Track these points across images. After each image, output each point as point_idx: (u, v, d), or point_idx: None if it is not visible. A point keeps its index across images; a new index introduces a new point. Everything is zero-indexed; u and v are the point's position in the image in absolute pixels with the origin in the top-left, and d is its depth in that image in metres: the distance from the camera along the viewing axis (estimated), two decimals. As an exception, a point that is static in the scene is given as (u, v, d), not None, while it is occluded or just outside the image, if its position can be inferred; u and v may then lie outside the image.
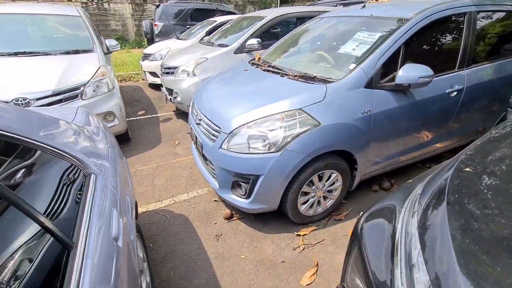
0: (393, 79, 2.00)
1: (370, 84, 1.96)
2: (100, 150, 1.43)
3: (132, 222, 1.34)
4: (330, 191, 2.14)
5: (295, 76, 2.16)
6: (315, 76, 2.06)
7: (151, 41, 7.80)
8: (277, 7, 12.76)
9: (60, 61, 3.11)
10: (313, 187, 2.02)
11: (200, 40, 5.60)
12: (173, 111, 4.78)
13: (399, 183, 2.66)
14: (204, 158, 2.24)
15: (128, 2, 12.10)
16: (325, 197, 2.15)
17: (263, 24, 4.20)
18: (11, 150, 0.98)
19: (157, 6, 7.81)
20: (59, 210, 0.95)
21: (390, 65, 2.01)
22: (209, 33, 6.02)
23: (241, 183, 1.93)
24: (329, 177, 2.05)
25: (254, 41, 3.90)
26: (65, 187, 1.06)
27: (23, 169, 0.98)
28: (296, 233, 2.09)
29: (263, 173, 1.79)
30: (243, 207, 1.96)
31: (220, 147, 1.92)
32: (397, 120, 2.10)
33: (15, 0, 9.40)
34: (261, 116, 1.83)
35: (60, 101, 2.79)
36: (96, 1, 11.47)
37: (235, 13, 7.99)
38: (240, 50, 4.04)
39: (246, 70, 2.61)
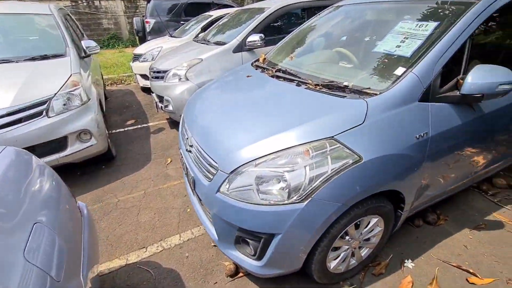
0: (455, 86, 1.44)
1: (426, 96, 1.39)
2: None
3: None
4: (367, 239, 1.59)
5: (317, 85, 1.60)
6: (346, 86, 1.50)
7: (143, 40, 7.20)
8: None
9: (22, 70, 2.56)
10: (347, 238, 1.47)
11: (195, 37, 5.01)
12: (166, 119, 4.22)
13: (446, 213, 2.11)
14: (199, 197, 1.69)
15: (120, -2, 11.45)
16: (360, 247, 1.60)
17: (265, 17, 3.61)
18: None
19: (148, 1, 7.18)
20: None
21: (451, 68, 1.44)
22: (204, 29, 5.43)
23: (249, 240, 1.38)
24: (368, 223, 1.50)
25: (256, 38, 3.32)
26: None
27: None
28: (324, 299, 1.55)
29: (280, 231, 1.24)
30: (252, 270, 1.42)
31: (218, 190, 1.37)
32: (459, 141, 1.54)
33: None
34: (276, 150, 1.26)
35: (19, 121, 2.24)
36: (86, -2, 10.84)
37: (232, 6, 7.35)
38: (240, 48, 3.46)
39: (249, 76, 2.04)
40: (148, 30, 6.97)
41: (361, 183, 1.25)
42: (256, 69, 2.19)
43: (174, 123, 3.98)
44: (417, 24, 1.58)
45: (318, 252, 1.36)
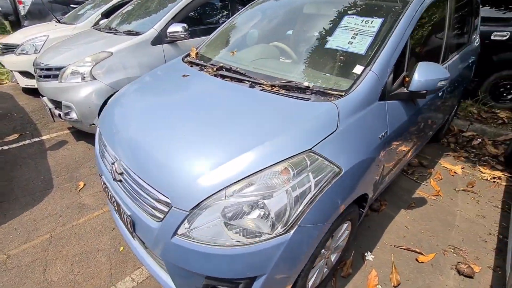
0: (402, 84, 1.47)
1: (383, 95, 1.37)
2: None
3: None
4: (337, 246, 1.54)
5: (274, 86, 1.40)
6: (307, 87, 1.35)
7: (17, 26, 5.54)
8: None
9: None
10: (323, 251, 1.36)
11: (95, 25, 4.10)
12: (69, 128, 3.34)
13: (384, 198, 2.29)
14: (141, 240, 1.29)
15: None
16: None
17: (187, 4, 3.17)
18: None
19: (18, -25, 5.52)
20: None
21: (399, 66, 1.46)
22: (106, 15, 4.51)
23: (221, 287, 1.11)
24: (340, 230, 1.43)
25: (178, 28, 2.88)
26: None
27: None
28: (305, 321, 1.42)
29: (263, 272, 1.01)
30: (228, 320, 1.15)
31: (175, 233, 1.03)
32: (404, 134, 1.62)
33: None
34: (249, 173, 1.01)
35: None
36: None
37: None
38: (159, 40, 2.94)
39: (186, 76, 1.67)
40: (22, 13, 5.39)
41: (343, 195, 1.14)
42: (191, 66, 1.84)
43: (81, 133, 3.16)
44: (362, 20, 1.55)
45: (301, 277, 1.20)
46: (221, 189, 0.99)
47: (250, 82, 1.45)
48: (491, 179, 2.59)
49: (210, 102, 1.39)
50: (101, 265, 1.68)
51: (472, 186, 2.48)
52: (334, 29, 1.58)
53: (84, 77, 2.58)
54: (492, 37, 3.59)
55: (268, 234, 0.98)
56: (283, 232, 0.98)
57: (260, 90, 1.40)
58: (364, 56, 1.40)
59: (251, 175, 1.01)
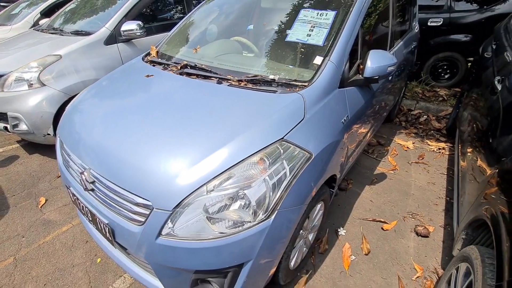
0: (357, 71, 1.61)
1: (342, 82, 1.49)
2: None
3: None
4: (313, 225, 1.65)
5: (241, 81, 1.44)
6: (273, 80, 1.41)
7: None
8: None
9: None
10: (301, 232, 1.46)
11: (35, 26, 3.72)
12: (18, 141, 3.04)
13: (350, 177, 2.49)
14: (122, 246, 1.27)
15: None
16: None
17: (138, 1, 3.03)
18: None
19: None
20: None
21: (353, 55, 1.59)
22: (45, 14, 4.13)
23: (211, 279, 1.15)
24: (315, 211, 1.55)
25: (133, 26, 2.75)
26: None
27: None
28: (291, 299, 1.53)
29: (250, 258, 1.08)
30: (220, 309, 1.20)
31: (159, 234, 1.04)
32: (363, 117, 1.77)
33: None
34: (227, 167, 1.05)
35: None
36: None
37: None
38: (113, 39, 2.79)
39: (150, 76, 1.64)
40: None
41: (315, 178, 1.23)
42: (153, 65, 1.80)
43: (34, 146, 2.90)
44: (317, 13, 1.64)
45: (284, 259, 1.29)
46: (201, 185, 1.02)
47: (217, 78, 1.47)
48: (437, 150, 2.93)
49: (178, 101, 1.39)
50: (79, 280, 1.61)
51: (423, 158, 2.80)
52: (293, 22, 1.65)
53: (32, 84, 2.36)
54: (428, 23, 4.00)
55: (251, 222, 1.04)
56: (264, 218, 1.05)
57: (228, 85, 1.43)
58: (322, 47, 1.50)
59: (229, 168, 1.05)
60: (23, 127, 2.43)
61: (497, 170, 1.18)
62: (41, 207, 2.15)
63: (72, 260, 1.73)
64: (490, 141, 1.43)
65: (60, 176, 2.48)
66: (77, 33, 2.85)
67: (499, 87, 1.68)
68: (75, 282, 1.60)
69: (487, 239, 1.21)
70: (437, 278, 1.64)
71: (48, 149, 2.82)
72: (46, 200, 2.21)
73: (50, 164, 2.65)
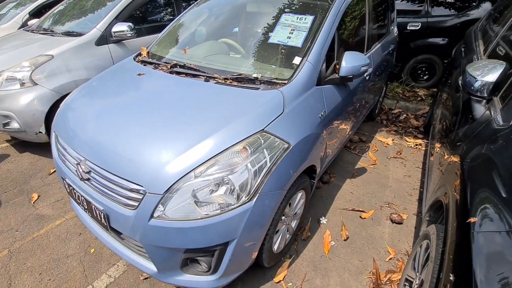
0: (334, 70, 1.76)
1: (319, 81, 1.64)
2: None
3: None
4: (295, 213, 1.79)
5: (227, 79, 1.56)
6: (256, 78, 1.54)
7: None
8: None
9: None
10: (284, 218, 1.59)
11: (24, 26, 3.75)
12: (7, 140, 3.07)
13: (332, 171, 2.64)
14: (116, 232, 1.36)
15: None
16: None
17: (131, 1, 3.11)
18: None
19: None
20: None
21: (329, 55, 1.74)
22: (34, 15, 4.15)
23: (199, 258, 1.26)
24: (296, 199, 1.68)
25: (123, 27, 2.83)
26: None
27: None
28: (274, 280, 1.65)
29: (234, 237, 1.19)
30: (208, 287, 1.31)
31: (151, 217, 1.15)
32: (341, 113, 1.92)
33: None
34: (213, 154, 1.17)
35: None
36: None
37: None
38: (104, 40, 2.86)
39: (141, 75, 1.74)
40: None
41: (294, 166, 1.36)
42: (144, 65, 1.90)
43: (24, 144, 2.94)
44: (297, 17, 1.79)
45: (267, 241, 1.41)
46: (189, 171, 1.14)
47: (205, 77, 1.59)
48: (414, 146, 3.13)
49: (168, 97, 1.50)
50: (73, 269, 1.69)
51: (401, 153, 2.98)
52: (275, 25, 1.79)
53: (24, 83, 2.41)
54: (408, 27, 4.22)
55: (234, 204, 1.16)
56: (247, 200, 1.17)
57: (215, 83, 1.56)
58: (301, 48, 1.64)
59: (214, 156, 1.17)
60: (14, 125, 2.48)
61: (451, 156, 1.35)
62: (33, 202, 2.21)
63: (66, 251, 1.80)
64: (451, 133, 1.60)
65: (52, 173, 2.54)
66: (68, 33, 2.91)
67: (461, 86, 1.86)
68: (70, 270, 1.68)
69: (444, 218, 1.37)
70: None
71: (38, 148, 2.87)
72: (38, 196, 2.26)
73: (41, 162, 2.70)
